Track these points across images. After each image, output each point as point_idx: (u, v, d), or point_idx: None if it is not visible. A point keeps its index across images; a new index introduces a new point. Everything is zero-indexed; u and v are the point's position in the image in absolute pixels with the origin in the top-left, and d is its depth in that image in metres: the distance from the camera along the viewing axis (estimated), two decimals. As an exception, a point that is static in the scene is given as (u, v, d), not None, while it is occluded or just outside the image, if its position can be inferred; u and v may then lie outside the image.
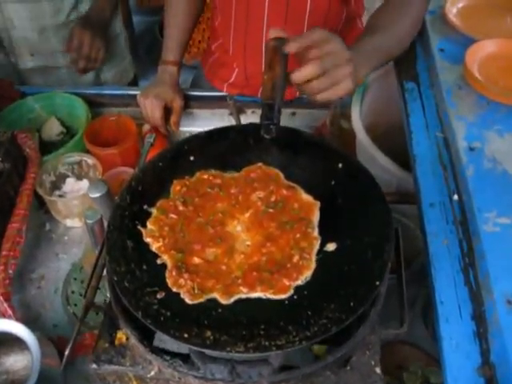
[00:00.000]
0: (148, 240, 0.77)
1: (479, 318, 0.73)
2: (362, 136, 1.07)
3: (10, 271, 1.02)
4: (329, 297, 0.70)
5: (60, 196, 1.19)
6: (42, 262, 1.15)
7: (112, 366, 0.73)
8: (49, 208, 1.20)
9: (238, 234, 0.78)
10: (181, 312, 0.69)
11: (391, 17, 1.07)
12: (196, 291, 0.71)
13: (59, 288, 1.10)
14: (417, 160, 0.95)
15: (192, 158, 0.87)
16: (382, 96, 1.19)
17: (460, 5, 1.19)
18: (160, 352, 0.69)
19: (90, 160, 1.20)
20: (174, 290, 0.72)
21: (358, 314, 0.67)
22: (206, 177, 0.84)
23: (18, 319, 0.97)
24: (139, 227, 0.78)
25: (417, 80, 1.10)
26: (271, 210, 0.80)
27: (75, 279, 1.11)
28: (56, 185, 1.21)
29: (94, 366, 0.73)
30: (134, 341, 0.72)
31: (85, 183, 1.20)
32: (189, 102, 1.38)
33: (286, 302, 0.70)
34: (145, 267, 0.74)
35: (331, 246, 0.75)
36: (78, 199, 1.15)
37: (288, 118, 1.35)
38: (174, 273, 0.73)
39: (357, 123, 1.10)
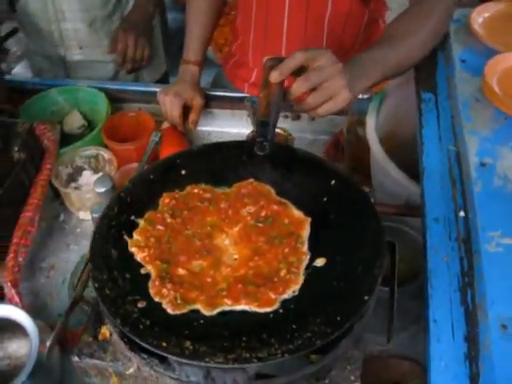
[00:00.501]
0: (133, 250, 0.85)
1: (472, 340, 0.77)
2: (374, 146, 1.14)
3: (20, 259, 1.12)
4: (315, 311, 0.76)
5: (76, 188, 1.30)
6: (52, 251, 1.27)
7: (93, 360, 0.81)
8: (64, 199, 1.31)
9: (225, 247, 0.86)
10: (161, 322, 0.76)
11: (406, 27, 1.15)
12: (179, 301, 0.79)
13: (67, 279, 1.20)
14: (425, 173, 1.00)
15: (184, 172, 0.96)
16: (401, 105, 1.25)
17: (486, 15, 1.24)
18: (138, 350, 0.75)
19: (106, 154, 1.32)
20: (156, 299, 0.79)
21: (345, 328, 0.73)
22: (196, 191, 0.93)
23: (24, 306, 1.06)
24: (125, 237, 0.86)
25: (435, 90, 1.16)
26: (260, 225, 0.87)
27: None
28: (73, 177, 1.33)
29: (76, 358, 0.81)
30: (115, 337, 0.79)
31: (101, 176, 1.30)
32: (209, 102, 1.49)
33: (271, 315, 0.77)
34: (128, 276, 0.82)
35: (320, 262, 0.82)
36: (91, 192, 1.24)
37: (307, 123, 1.45)
38: (157, 282, 0.81)
39: (371, 132, 1.17)
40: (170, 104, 1.38)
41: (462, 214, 0.92)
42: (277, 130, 1.29)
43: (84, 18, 1.68)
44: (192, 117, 1.41)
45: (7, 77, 1.55)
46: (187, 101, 1.40)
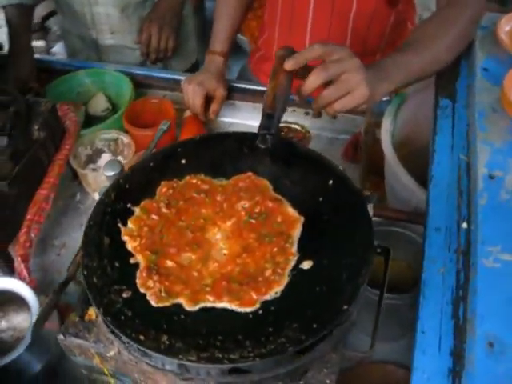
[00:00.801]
0: (125, 238, 0.85)
1: (458, 355, 0.75)
2: (387, 149, 1.11)
3: (32, 235, 1.15)
4: (294, 315, 0.74)
5: (93, 170, 1.31)
6: (65, 230, 1.29)
7: (77, 339, 0.82)
8: (81, 180, 1.34)
9: (216, 241, 0.85)
10: (143, 313, 0.77)
11: (432, 32, 1.11)
12: (163, 294, 0.79)
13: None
14: (433, 181, 0.98)
15: (184, 162, 0.95)
16: (420, 110, 1.22)
17: (514, 23, 1.19)
18: (119, 334, 0.75)
19: (126, 139, 1.33)
20: (142, 290, 0.79)
21: (320, 336, 0.72)
22: (194, 181, 0.92)
23: (32, 281, 1.10)
24: (119, 225, 0.86)
25: (453, 97, 1.12)
26: (253, 221, 0.86)
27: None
28: (92, 158, 1.35)
29: (61, 337, 0.82)
30: (100, 319, 0.80)
31: (120, 160, 1.30)
32: (232, 94, 1.49)
33: (251, 315, 0.76)
34: (117, 265, 0.82)
35: (307, 264, 0.80)
36: (106, 175, 1.26)
37: (328, 121, 1.41)
38: (144, 273, 0.81)
39: (385, 135, 1.14)
40: (192, 93, 1.38)
41: (464, 225, 0.90)
42: (295, 127, 1.28)
43: (116, 3, 1.67)
44: (213, 107, 1.41)
45: (38, 56, 1.57)
46: (210, 91, 1.40)
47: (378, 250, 0.88)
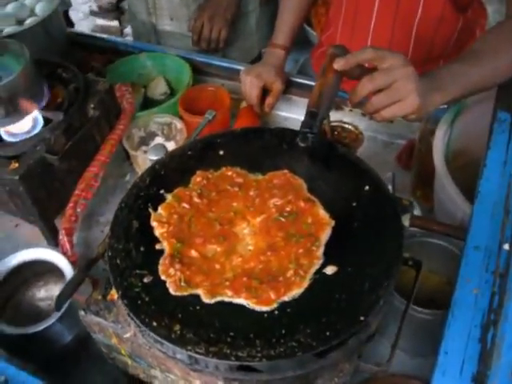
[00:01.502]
0: (154, 224, 0.85)
1: (480, 381, 0.71)
2: (438, 159, 1.06)
3: (79, 210, 1.17)
4: (308, 320, 0.72)
5: (145, 152, 1.32)
6: (112, 208, 1.28)
7: (97, 317, 0.83)
8: (132, 161, 1.36)
9: (243, 236, 0.84)
10: (159, 300, 0.76)
11: (495, 43, 1.04)
12: (182, 283, 0.78)
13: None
14: (479, 196, 0.92)
15: (221, 153, 0.94)
16: (479, 122, 1.15)
17: None
18: (133, 317, 0.75)
19: (179, 124, 1.33)
20: (163, 277, 0.79)
21: (331, 344, 0.69)
22: (229, 174, 0.91)
23: (73, 255, 1.13)
24: (150, 210, 0.87)
25: (513, 111, 1.06)
26: (283, 220, 0.84)
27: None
28: (144, 141, 1.36)
29: (82, 313, 0.84)
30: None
31: (171, 145, 1.32)
32: (290, 88, 1.46)
33: (266, 315, 0.75)
34: (142, 249, 0.83)
35: (331, 270, 0.78)
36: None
37: (385, 124, 1.37)
38: (167, 261, 0.81)
39: (437, 144, 1.09)
40: (249, 84, 1.37)
41: (506, 247, 0.85)
42: (349, 127, 1.25)
43: None
44: (269, 100, 1.39)
45: (103, 36, 1.61)
46: (267, 83, 1.38)
47: (410, 263, 0.84)
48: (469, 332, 0.76)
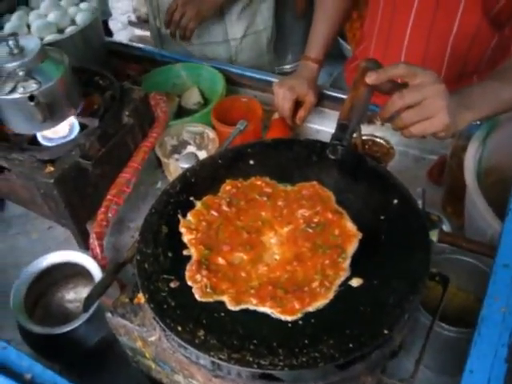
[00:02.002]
0: (182, 230, 0.86)
1: (506, 401, 0.70)
2: (468, 175, 1.05)
3: (110, 215, 1.20)
4: (332, 331, 0.72)
5: (177, 160, 1.34)
6: (142, 215, 1.30)
7: (123, 320, 0.84)
8: (164, 169, 1.38)
9: (270, 245, 0.84)
10: (185, 305, 0.77)
11: None
12: (208, 290, 0.79)
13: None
14: (510, 214, 0.91)
15: (252, 162, 0.95)
16: (512, 138, 1.15)
17: None
18: (158, 321, 0.76)
19: (211, 133, 1.35)
20: (189, 283, 0.80)
21: (354, 356, 0.69)
22: (258, 183, 0.92)
23: (103, 258, 1.16)
24: (179, 216, 0.88)
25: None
26: (310, 230, 0.84)
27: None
28: (176, 149, 1.38)
29: (109, 315, 0.85)
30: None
31: (203, 154, 1.34)
32: (322, 101, 1.47)
33: (290, 324, 0.75)
34: (170, 255, 0.84)
35: (356, 282, 0.78)
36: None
37: (417, 140, 1.37)
38: (194, 267, 0.82)
39: (469, 161, 1.08)
40: (282, 96, 1.38)
41: (536, 265, 0.83)
42: (380, 141, 1.25)
43: None
44: (300, 113, 1.40)
45: (140, 46, 1.64)
46: (300, 96, 1.39)
47: (437, 278, 0.84)
48: (495, 351, 0.75)
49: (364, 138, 1.23)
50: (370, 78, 0.91)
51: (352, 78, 1.53)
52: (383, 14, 1.36)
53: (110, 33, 1.89)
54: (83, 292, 1.17)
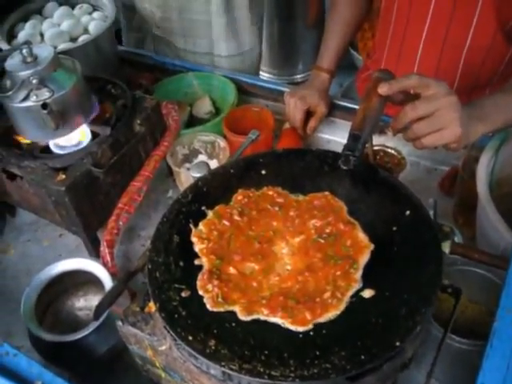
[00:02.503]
0: (194, 239, 0.87)
1: (518, 415, 0.69)
2: (481, 186, 1.05)
3: (121, 223, 1.20)
4: (343, 342, 0.72)
5: (188, 169, 1.34)
6: (153, 223, 1.31)
7: (134, 329, 0.84)
8: (175, 177, 1.38)
9: (281, 255, 0.85)
10: (196, 315, 0.78)
11: None
12: (219, 299, 0.79)
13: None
14: (523, 226, 0.91)
15: (264, 172, 0.96)
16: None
17: None
18: (169, 331, 0.77)
19: (222, 143, 1.35)
20: (200, 293, 0.80)
21: (365, 368, 0.69)
22: (270, 193, 0.92)
23: (113, 266, 1.16)
24: (191, 225, 0.88)
25: None
26: (322, 241, 0.84)
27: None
28: (188, 158, 1.39)
29: (120, 323, 0.85)
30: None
31: (214, 163, 1.35)
32: (334, 111, 1.47)
33: (301, 335, 0.75)
34: (181, 264, 0.84)
35: (368, 293, 0.78)
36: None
37: (429, 151, 1.35)
38: (205, 276, 0.82)
39: (481, 172, 1.07)
40: (293, 106, 1.38)
41: (551, 279, 0.83)
42: (391, 152, 1.25)
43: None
44: (311, 123, 1.40)
45: (152, 55, 1.65)
46: (311, 106, 1.39)
47: (449, 290, 0.83)
48: (508, 364, 0.75)
49: (375, 148, 1.23)
50: (383, 89, 0.92)
51: (363, 89, 1.53)
52: (396, 26, 1.36)
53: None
54: (93, 300, 1.17)
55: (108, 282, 1.07)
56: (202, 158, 1.37)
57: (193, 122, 1.47)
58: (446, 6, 1.23)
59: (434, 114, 0.91)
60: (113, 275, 1.10)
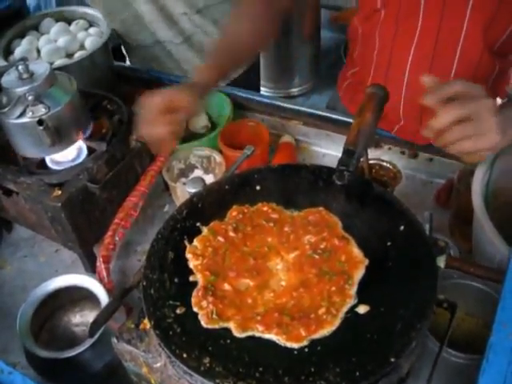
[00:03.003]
0: (189, 256, 0.87)
1: (514, 431, 0.69)
2: (476, 198, 1.05)
3: (117, 238, 1.20)
4: (338, 359, 0.72)
5: (184, 184, 1.34)
6: (149, 238, 1.29)
7: (129, 346, 0.84)
8: (171, 192, 1.38)
9: (276, 271, 0.84)
10: (191, 332, 0.77)
11: None
12: (214, 316, 0.79)
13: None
14: (518, 239, 0.91)
15: (258, 188, 0.96)
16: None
17: None
18: (164, 348, 0.76)
19: (218, 157, 1.35)
20: (195, 309, 0.80)
21: (360, 385, 0.69)
22: (265, 209, 0.92)
23: (109, 282, 1.16)
24: (185, 242, 0.88)
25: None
26: (316, 256, 0.84)
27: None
28: (184, 173, 1.39)
29: (115, 340, 0.85)
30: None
31: (210, 177, 1.35)
32: (328, 125, 1.46)
33: (296, 351, 0.74)
34: (176, 280, 0.84)
35: (363, 309, 0.77)
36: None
37: (424, 164, 1.38)
38: (200, 293, 0.82)
39: (476, 184, 1.07)
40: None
41: (546, 292, 0.83)
42: (387, 165, 1.25)
43: None
44: None
45: (148, 69, 1.65)
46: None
47: (445, 305, 0.83)
48: (504, 378, 0.74)
49: (371, 162, 1.23)
50: (429, 100, 0.89)
51: (347, 98, 1.53)
52: (381, 48, 1.33)
53: (123, 57, 1.90)
54: (89, 316, 1.17)
55: (104, 297, 1.07)
56: (197, 172, 1.37)
57: (189, 136, 1.47)
58: (433, 28, 1.22)
59: (472, 118, 0.87)
60: (109, 291, 1.10)
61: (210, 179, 1.32)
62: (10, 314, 1.15)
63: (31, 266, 1.32)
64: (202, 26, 1.71)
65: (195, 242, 0.88)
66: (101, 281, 1.14)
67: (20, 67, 1.11)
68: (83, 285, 1.12)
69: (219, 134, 1.39)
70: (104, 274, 1.16)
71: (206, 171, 1.37)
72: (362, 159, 0.95)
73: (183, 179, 1.36)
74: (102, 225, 1.20)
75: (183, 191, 1.29)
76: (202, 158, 1.37)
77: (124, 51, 1.87)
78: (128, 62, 1.89)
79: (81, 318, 1.17)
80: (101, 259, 1.17)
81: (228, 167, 1.29)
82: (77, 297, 1.16)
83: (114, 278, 1.19)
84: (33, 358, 1.04)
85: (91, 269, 1.22)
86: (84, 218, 1.17)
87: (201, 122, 1.50)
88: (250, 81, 1.80)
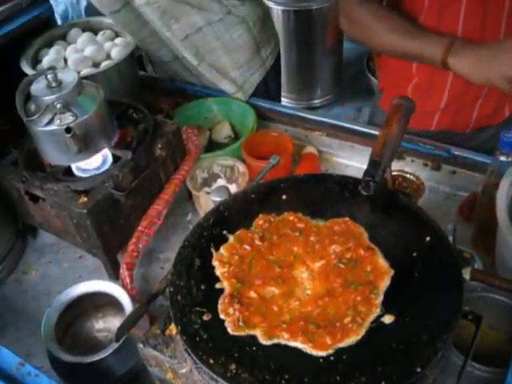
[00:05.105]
0: (215, 263, 0.88)
1: None
2: (500, 214, 1.05)
3: (140, 246, 1.23)
4: (364, 368, 0.73)
5: (207, 193, 1.37)
6: (172, 246, 1.35)
7: (155, 351, 0.85)
8: (194, 201, 1.40)
9: (302, 280, 0.85)
10: (217, 338, 0.78)
11: None
12: (240, 323, 0.80)
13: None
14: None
15: (284, 197, 0.97)
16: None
17: None
18: (190, 354, 0.77)
19: (242, 167, 1.37)
20: (221, 316, 0.81)
21: (386, 395, 0.70)
22: (291, 218, 0.93)
23: (132, 289, 1.18)
24: (212, 249, 0.90)
25: None
26: (342, 266, 0.85)
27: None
28: (207, 182, 1.41)
29: (141, 346, 0.87)
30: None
31: (233, 187, 1.37)
32: (352, 136, 1.48)
33: (321, 360, 0.75)
34: (203, 287, 0.85)
35: (388, 319, 0.78)
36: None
37: (447, 176, 1.39)
38: (226, 300, 0.83)
39: (501, 198, 1.07)
40: None
41: None
42: (410, 177, 1.26)
43: None
44: None
45: (173, 80, 1.68)
46: None
47: (470, 317, 0.84)
48: (529, 392, 0.75)
49: (394, 173, 1.24)
50: None
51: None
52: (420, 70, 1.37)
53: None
54: (112, 322, 1.18)
55: (127, 304, 1.09)
56: (221, 182, 1.39)
57: (212, 146, 1.50)
58: None
59: None
60: (132, 297, 1.12)
61: (233, 189, 1.34)
62: (34, 319, 1.17)
63: (55, 271, 1.35)
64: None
65: (222, 250, 0.90)
66: (124, 287, 1.16)
67: (49, 76, 1.14)
68: (107, 291, 1.14)
69: (243, 144, 1.41)
70: (127, 280, 1.18)
71: (229, 181, 1.39)
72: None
73: (206, 188, 1.38)
74: (126, 232, 1.23)
75: (206, 200, 1.31)
76: (225, 168, 1.39)
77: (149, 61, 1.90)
78: (152, 71, 1.91)
79: (104, 324, 1.19)
80: (124, 266, 1.19)
81: (251, 177, 1.31)
82: (100, 303, 1.18)
83: (136, 285, 1.20)
84: (57, 363, 1.05)
85: (114, 275, 1.24)
86: (109, 224, 1.19)
87: (224, 132, 1.52)
88: (269, 92, 1.81)
